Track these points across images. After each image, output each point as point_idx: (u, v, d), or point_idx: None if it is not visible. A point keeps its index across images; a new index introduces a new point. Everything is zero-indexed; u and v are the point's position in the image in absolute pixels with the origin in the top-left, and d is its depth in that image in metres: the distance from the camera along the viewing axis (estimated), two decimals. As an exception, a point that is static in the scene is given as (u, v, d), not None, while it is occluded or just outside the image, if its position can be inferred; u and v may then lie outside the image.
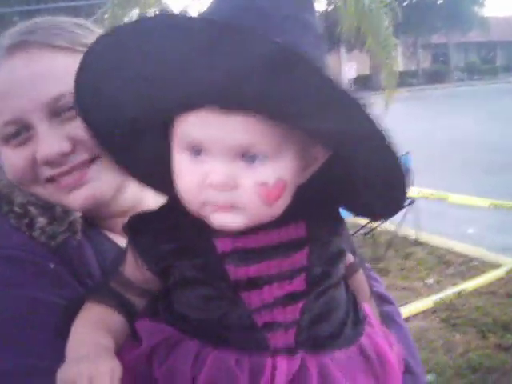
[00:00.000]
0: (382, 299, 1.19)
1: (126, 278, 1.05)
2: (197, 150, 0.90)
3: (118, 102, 0.93)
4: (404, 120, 19.49)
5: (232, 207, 0.90)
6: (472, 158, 13.06)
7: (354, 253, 1.12)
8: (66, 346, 0.94)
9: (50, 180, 1.19)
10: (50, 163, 1.16)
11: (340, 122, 0.84)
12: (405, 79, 43.54)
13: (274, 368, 0.92)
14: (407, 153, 7.28)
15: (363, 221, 7.00)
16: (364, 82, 43.52)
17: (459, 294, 4.66)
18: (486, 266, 6.39)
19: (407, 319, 4.92)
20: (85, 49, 1.13)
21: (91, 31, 1.26)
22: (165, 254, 0.99)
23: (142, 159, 1.05)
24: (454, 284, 5.76)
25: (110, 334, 0.97)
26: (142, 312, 1.05)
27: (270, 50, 0.74)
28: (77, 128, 1.12)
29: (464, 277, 6.20)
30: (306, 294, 0.98)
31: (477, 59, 59.38)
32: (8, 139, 1.18)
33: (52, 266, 1.10)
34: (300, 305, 0.97)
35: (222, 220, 0.91)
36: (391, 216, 1.03)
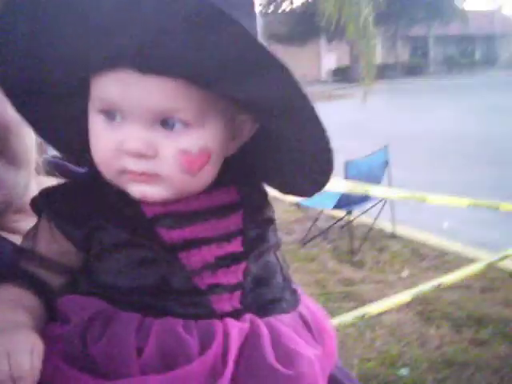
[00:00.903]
0: None
1: (39, 253, 0.94)
2: (112, 114, 0.86)
3: (36, 56, 0.85)
4: (382, 113, 19.64)
5: (151, 177, 0.86)
6: (449, 151, 13.16)
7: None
8: None
9: None
10: None
11: (265, 86, 0.80)
12: (383, 72, 43.72)
13: (225, 331, 0.87)
14: (385, 146, 7.33)
15: (340, 213, 7.07)
16: (344, 73, 43.68)
17: (438, 287, 4.69)
18: (460, 260, 6.43)
19: (383, 313, 4.95)
20: None
21: None
22: (87, 219, 0.91)
23: (59, 123, 0.99)
24: (428, 277, 5.79)
25: (28, 314, 0.87)
26: (62, 290, 0.94)
27: (193, 7, 0.70)
28: None
29: (438, 270, 6.26)
30: (244, 255, 0.94)
31: (456, 53, 59.78)
32: None
33: None
34: (242, 266, 0.94)
35: (142, 191, 0.88)
36: (312, 195, 1.01)
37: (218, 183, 0.94)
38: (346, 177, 6.58)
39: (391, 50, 52.76)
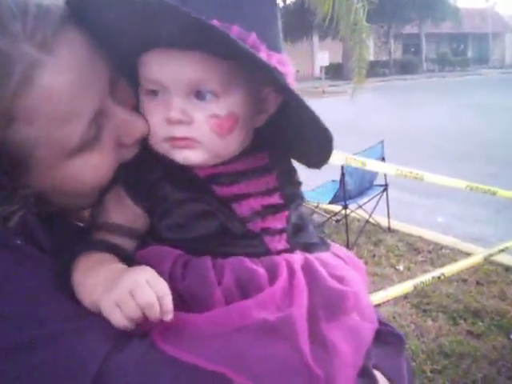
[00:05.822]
0: None
1: (113, 223, 1.09)
2: (154, 90, 1.04)
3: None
4: (377, 110, 19.66)
5: (190, 142, 1.03)
6: (442, 147, 13.21)
7: None
8: (82, 293, 0.97)
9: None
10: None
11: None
12: (376, 69, 43.75)
13: (287, 262, 1.05)
14: (381, 142, 7.35)
15: (336, 208, 7.08)
16: (336, 70, 43.65)
17: (439, 279, 4.71)
18: (455, 254, 6.50)
19: (380, 305, 4.98)
20: None
21: None
22: (152, 183, 1.07)
23: None
24: (424, 271, 5.83)
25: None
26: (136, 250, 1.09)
27: (191, 23, 0.87)
28: None
29: (434, 264, 6.31)
30: (284, 206, 1.12)
31: (448, 50, 59.86)
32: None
33: (19, 242, 1.02)
34: (285, 214, 1.12)
35: (183, 155, 1.04)
36: (320, 165, 1.17)
37: (253, 150, 1.13)
38: (343, 172, 6.61)
39: (384, 48, 52.81)
